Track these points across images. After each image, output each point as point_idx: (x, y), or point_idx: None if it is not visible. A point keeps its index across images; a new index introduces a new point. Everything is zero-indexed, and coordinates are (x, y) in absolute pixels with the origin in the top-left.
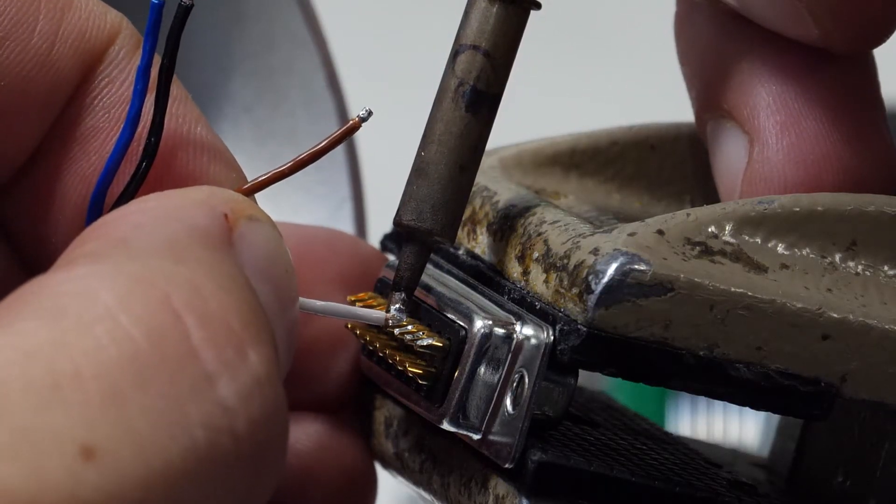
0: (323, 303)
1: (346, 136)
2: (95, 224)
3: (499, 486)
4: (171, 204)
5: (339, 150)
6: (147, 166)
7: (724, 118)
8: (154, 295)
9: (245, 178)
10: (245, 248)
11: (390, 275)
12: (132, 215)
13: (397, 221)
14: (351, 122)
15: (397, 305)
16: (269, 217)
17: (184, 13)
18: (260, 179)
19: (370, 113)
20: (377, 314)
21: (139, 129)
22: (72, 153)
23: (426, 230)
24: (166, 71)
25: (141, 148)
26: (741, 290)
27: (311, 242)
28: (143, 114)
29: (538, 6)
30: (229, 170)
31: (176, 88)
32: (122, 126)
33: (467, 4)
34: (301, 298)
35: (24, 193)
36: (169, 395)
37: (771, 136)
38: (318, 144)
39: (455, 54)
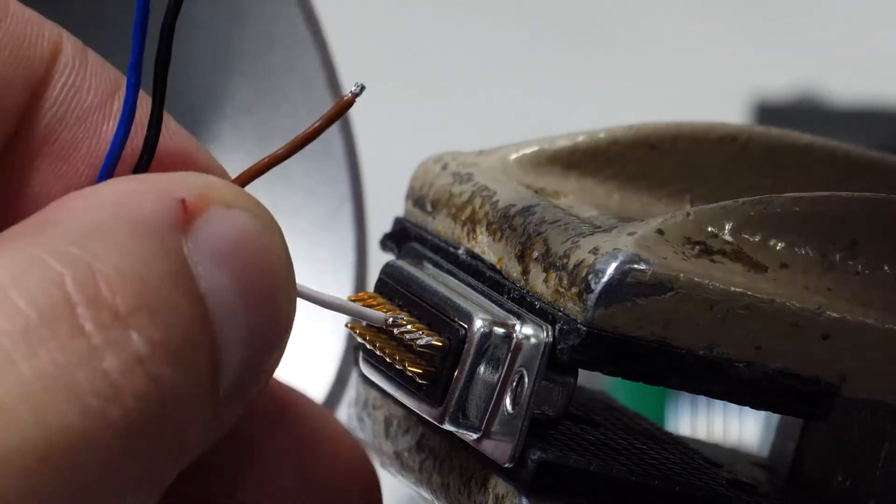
0: (327, 295)
1: (340, 113)
2: (49, 206)
3: (499, 486)
4: (125, 189)
5: (339, 150)
6: (148, 160)
7: None
8: (47, 275)
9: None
10: (204, 234)
11: (391, 274)
12: (76, 200)
13: None
14: (344, 98)
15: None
16: (257, 207)
17: (176, 2)
18: (254, 166)
19: (363, 88)
20: (377, 314)
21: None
22: (57, 169)
23: None
24: (162, 62)
25: (140, 138)
26: (741, 290)
27: None
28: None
29: None
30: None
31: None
32: (110, 129)
33: None
34: (300, 284)
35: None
36: (59, 363)
37: None
38: (311, 125)
39: None
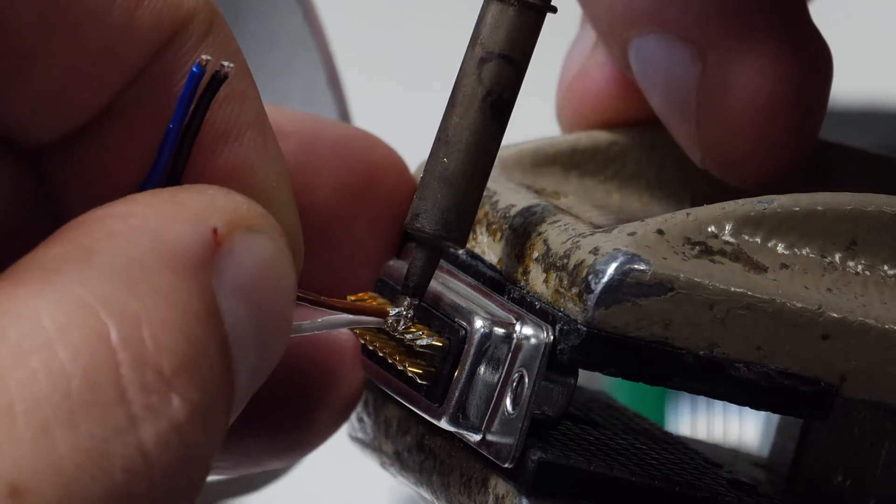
0: (319, 320)
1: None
2: (73, 222)
3: (499, 486)
4: (157, 212)
5: None
6: (177, 178)
7: (653, 32)
8: (95, 327)
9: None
10: (229, 266)
11: (391, 275)
12: (111, 220)
13: (419, 228)
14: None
15: (407, 312)
16: (275, 227)
17: (217, 84)
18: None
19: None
20: (376, 318)
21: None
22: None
23: (453, 239)
24: (193, 134)
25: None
26: (741, 290)
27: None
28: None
29: (554, 10)
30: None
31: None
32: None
33: (490, 9)
34: (294, 323)
35: (86, 157)
36: (96, 435)
37: (727, 45)
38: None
39: (482, 61)
